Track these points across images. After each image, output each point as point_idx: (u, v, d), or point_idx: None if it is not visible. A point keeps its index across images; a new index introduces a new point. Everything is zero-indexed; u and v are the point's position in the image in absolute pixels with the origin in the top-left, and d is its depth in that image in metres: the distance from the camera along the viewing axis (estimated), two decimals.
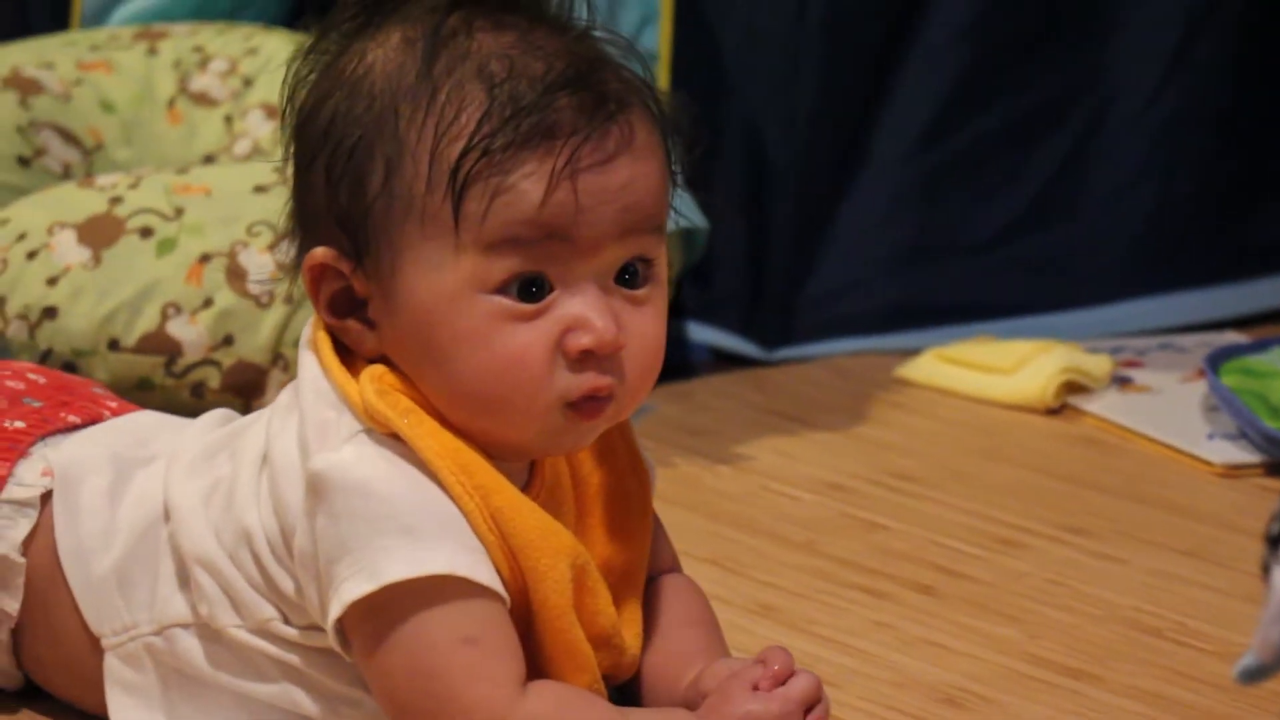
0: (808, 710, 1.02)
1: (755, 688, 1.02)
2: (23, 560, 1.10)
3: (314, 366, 1.04)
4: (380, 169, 1.00)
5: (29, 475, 1.11)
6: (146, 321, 1.48)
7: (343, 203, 1.01)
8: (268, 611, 1.04)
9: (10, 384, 1.16)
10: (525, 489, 1.04)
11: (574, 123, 0.99)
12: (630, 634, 1.08)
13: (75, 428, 1.14)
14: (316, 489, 1.00)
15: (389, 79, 1.01)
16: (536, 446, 1.03)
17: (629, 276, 1.01)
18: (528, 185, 0.98)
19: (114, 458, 1.11)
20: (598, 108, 1.00)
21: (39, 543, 1.10)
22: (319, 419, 1.02)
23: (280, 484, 1.03)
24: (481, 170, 0.98)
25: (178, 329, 1.48)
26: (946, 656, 1.25)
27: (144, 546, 1.08)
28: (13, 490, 1.10)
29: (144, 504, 1.09)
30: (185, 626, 1.07)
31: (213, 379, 1.47)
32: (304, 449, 1.02)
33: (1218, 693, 1.21)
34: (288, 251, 1.05)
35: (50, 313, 1.48)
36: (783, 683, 1.03)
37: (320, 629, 1.03)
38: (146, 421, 1.16)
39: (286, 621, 1.04)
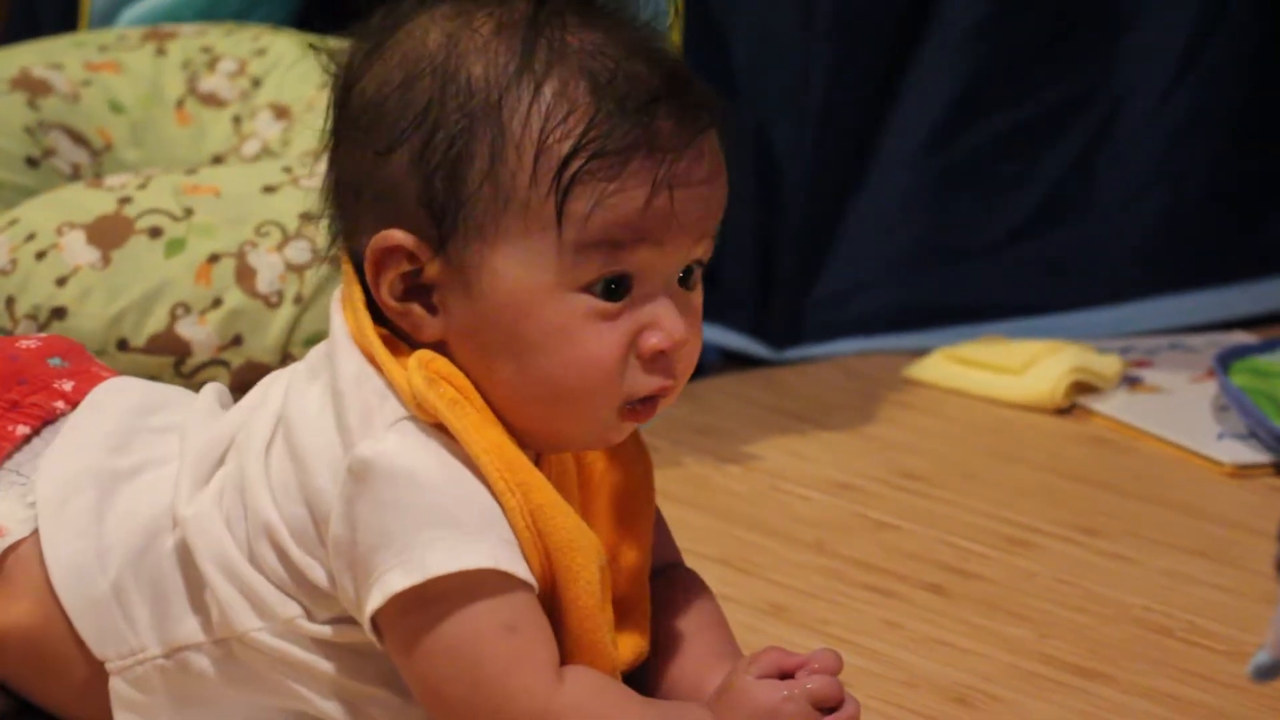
0: (828, 713, 1.02)
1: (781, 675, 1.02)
2: None
3: (353, 352, 1.03)
4: (483, 160, 1.00)
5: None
6: (155, 322, 1.48)
7: (435, 189, 1.01)
8: (291, 609, 1.04)
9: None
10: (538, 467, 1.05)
11: (675, 134, 1.01)
12: (634, 625, 1.08)
13: (27, 439, 1.11)
14: (361, 476, 1.00)
15: (487, 68, 1.01)
16: (579, 441, 1.05)
17: (685, 276, 1.04)
18: (632, 190, 1.00)
19: (94, 473, 1.09)
20: (691, 120, 1.02)
21: (20, 551, 1.08)
22: (361, 404, 1.02)
23: (310, 467, 1.02)
24: (589, 171, 1.00)
25: (187, 329, 1.48)
26: (957, 656, 1.25)
27: (144, 565, 1.06)
28: None
29: (136, 520, 1.07)
30: (197, 648, 1.06)
31: (222, 379, 1.47)
32: (345, 433, 1.02)
33: (1229, 692, 1.21)
34: (328, 230, 1.05)
35: (59, 313, 1.48)
36: (792, 670, 1.03)
37: (348, 621, 1.02)
38: (122, 406, 1.12)
39: (310, 618, 1.04)
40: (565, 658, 1.03)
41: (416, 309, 1.03)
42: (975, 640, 1.27)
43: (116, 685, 1.07)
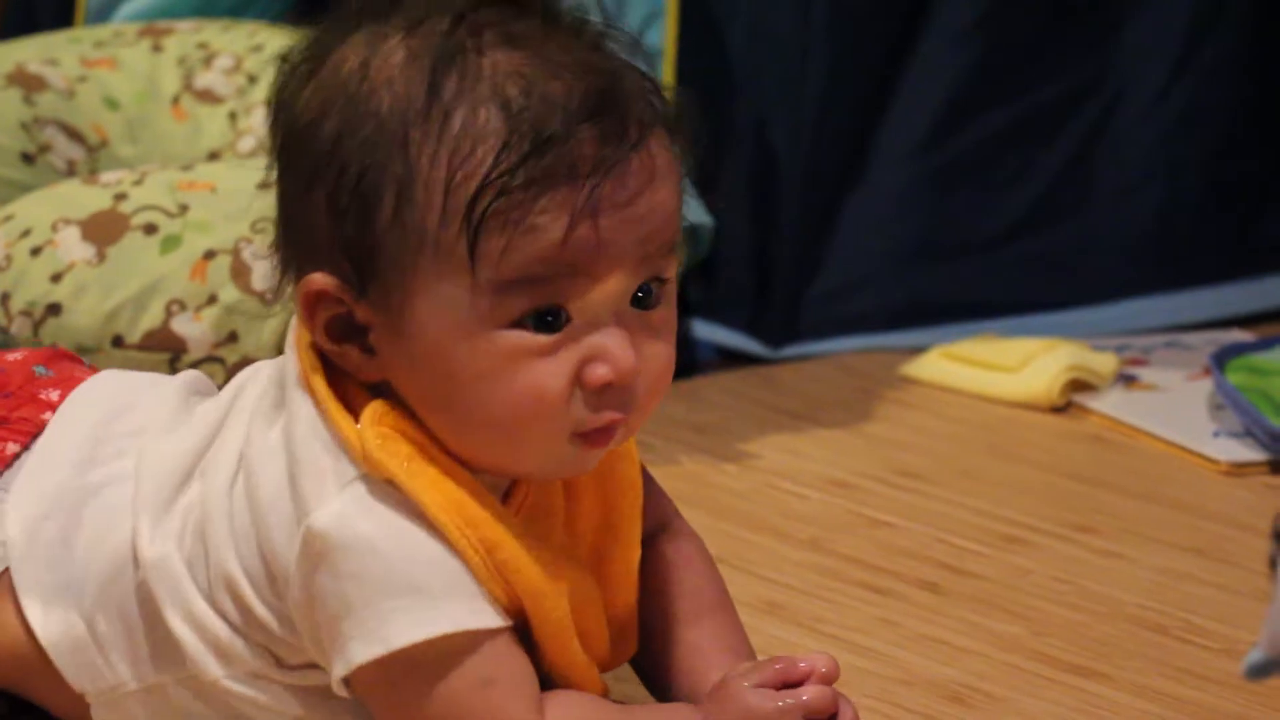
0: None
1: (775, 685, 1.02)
2: None
3: (304, 400, 1.00)
4: (390, 200, 0.95)
5: None
6: (151, 318, 1.48)
7: (348, 232, 0.96)
8: (256, 661, 1.02)
9: None
10: (505, 499, 1.02)
11: (597, 156, 0.95)
12: (622, 625, 1.06)
13: (17, 456, 1.09)
14: (318, 549, 0.97)
15: (396, 100, 0.95)
16: (543, 474, 1.01)
17: (642, 296, 0.98)
18: (548, 223, 0.95)
19: (60, 496, 1.06)
20: (621, 138, 0.96)
21: None
22: (315, 465, 0.98)
23: (268, 527, 0.99)
24: (501, 207, 0.94)
25: (182, 326, 1.48)
26: (952, 654, 1.25)
27: (113, 596, 1.04)
28: None
29: (103, 548, 1.05)
30: (174, 683, 1.04)
31: (217, 376, 1.47)
32: (297, 496, 0.98)
33: (1224, 690, 1.21)
34: (275, 265, 1.01)
35: (54, 309, 1.48)
36: (796, 683, 1.02)
37: (314, 666, 1.01)
38: (91, 417, 1.09)
39: (279, 664, 1.02)
40: (545, 680, 1.01)
41: (353, 351, 0.99)
42: (971, 638, 1.27)
43: (98, 710, 1.06)
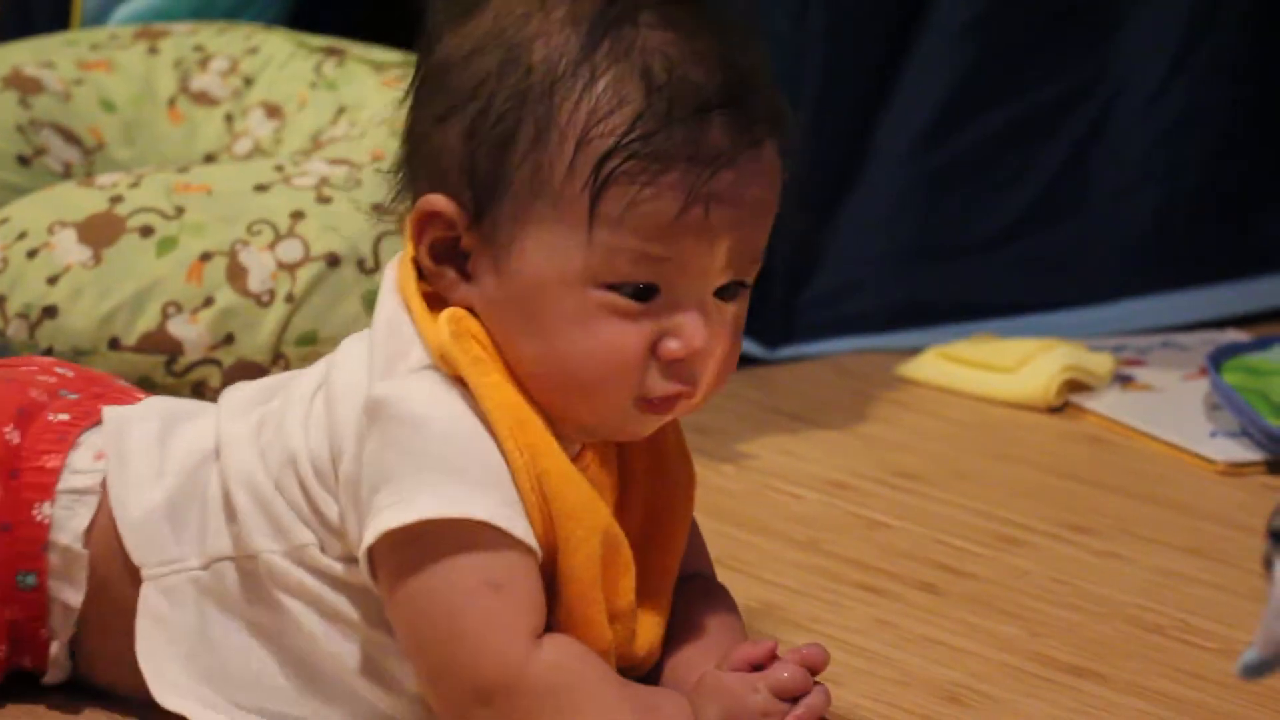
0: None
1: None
2: (85, 551, 1.10)
3: (393, 300, 1.05)
4: (526, 140, 1.00)
5: (83, 462, 1.11)
6: (147, 320, 1.48)
7: (479, 163, 1.01)
8: (305, 537, 1.05)
9: (42, 378, 1.16)
10: (574, 459, 1.05)
11: (721, 144, 1.00)
12: (651, 623, 1.08)
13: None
14: (374, 413, 1.01)
15: (550, 53, 1.01)
16: (600, 429, 1.05)
17: (726, 289, 1.03)
18: (666, 199, 1.00)
19: (161, 411, 1.12)
20: (744, 132, 1.01)
21: (99, 529, 1.10)
22: (389, 349, 1.03)
23: (337, 406, 1.04)
24: (627, 171, 0.99)
25: (178, 328, 1.48)
26: (949, 654, 1.25)
27: (194, 484, 1.09)
28: (69, 479, 1.10)
29: (194, 445, 1.10)
30: (229, 560, 1.07)
31: (213, 378, 1.47)
32: (370, 374, 1.03)
33: (1221, 690, 1.21)
34: (395, 185, 1.06)
35: (50, 311, 1.48)
36: (765, 663, 1.04)
37: (355, 561, 1.03)
38: (182, 400, 1.17)
39: (323, 550, 1.05)
40: (557, 628, 1.03)
41: (450, 273, 1.04)
42: (967, 638, 1.27)
43: (147, 592, 1.08)
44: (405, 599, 1.01)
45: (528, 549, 1.01)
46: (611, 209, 1.00)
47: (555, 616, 1.03)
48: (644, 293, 1.01)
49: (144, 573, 1.09)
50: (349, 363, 1.05)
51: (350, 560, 1.04)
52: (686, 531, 1.11)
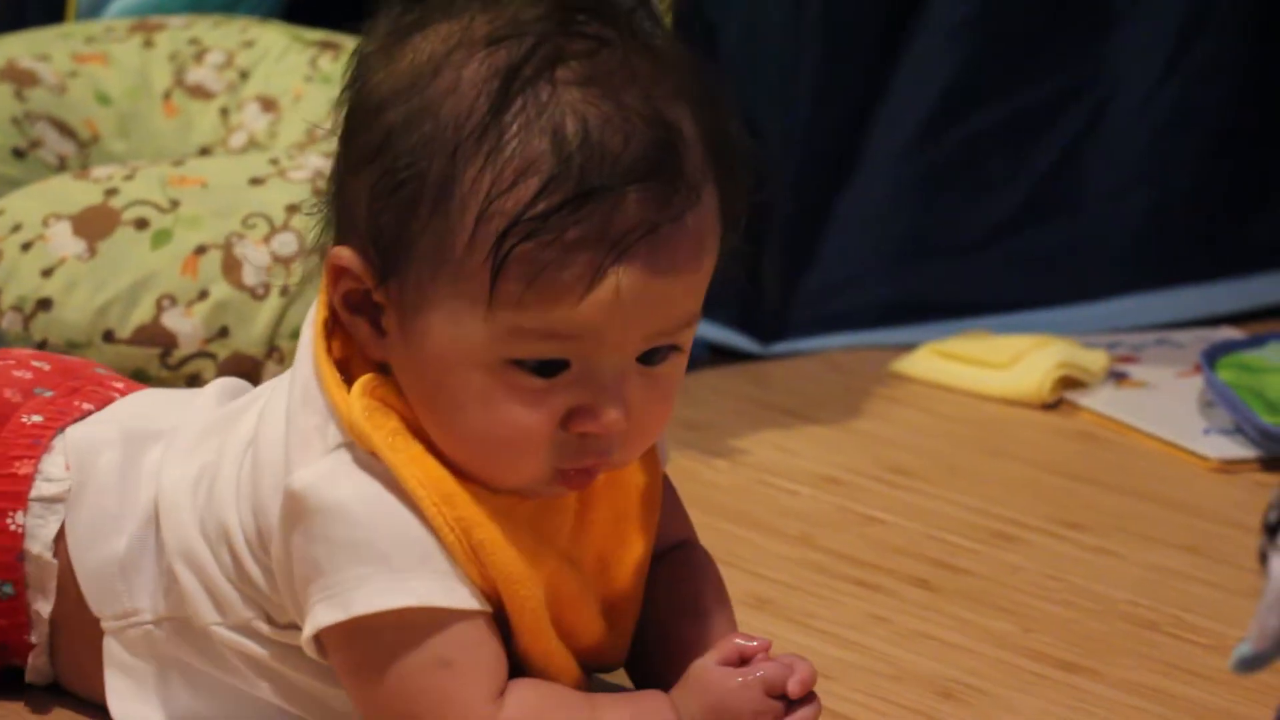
0: (782, 699, 1.01)
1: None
2: (55, 561, 1.08)
3: (309, 363, 1.01)
4: (428, 207, 0.94)
5: (55, 470, 1.09)
6: (141, 313, 1.48)
7: (384, 224, 0.96)
8: (248, 612, 1.03)
9: (17, 374, 1.14)
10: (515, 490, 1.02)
11: (636, 219, 0.93)
12: (624, 629, 1.07)
13: (89, 414, 1.12)
14: (294, 509, 0.98)
15: (459, 109, 0.94)
16: (524, 491, 1.01)
17: (649, 354, 0.97)
18: (571, 282, 0.93)
19: (124, 434, 1.08)
20: (665, 204, 0.93)
21: (66, 540, 1.08)
22: (305, 422, 0.99)
23: (262, 485, 1.01)
24: (527, 251, 0.93)
25: (173, 321, 1.47)
26: (943, 650, 1.25)
27: (148, 533, 1.06)
28: (41, 487, 1.08)
29: (150, 490, 1.07)
30: (183, 619, 1.06)
31: (208, 371, 1.47)
32: (288, 455, 1.00)
33: (1215, 686, 1.21)
34: (315, 224, 1.01)
35: (45, 304, 1.48)
36: (780, 689, 1.01)
37: (299, 627, 1.01)
38: (155, 399, 1.14)
39: (269, 621, 1.03)
40: (524, 667, 1.01)
41: (364, 326, 0.99)
42: (961, 634, 1.27)
43: (109, 645, 1.07)
44: (361, 689, 0.99)
45: (473, 612, 0.98)
46: (513, 288, 0.93)
47: (519, 658, 1.01)
48: (551, 368, 0.95)
49: (103, 624, 1.07)
50: (270, 430, 1.00)
51: (291, 627, 1.02)
52: (646, 529, 1.07)
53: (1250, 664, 0.83)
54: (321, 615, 0.98)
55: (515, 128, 0.93)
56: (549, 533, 1.03)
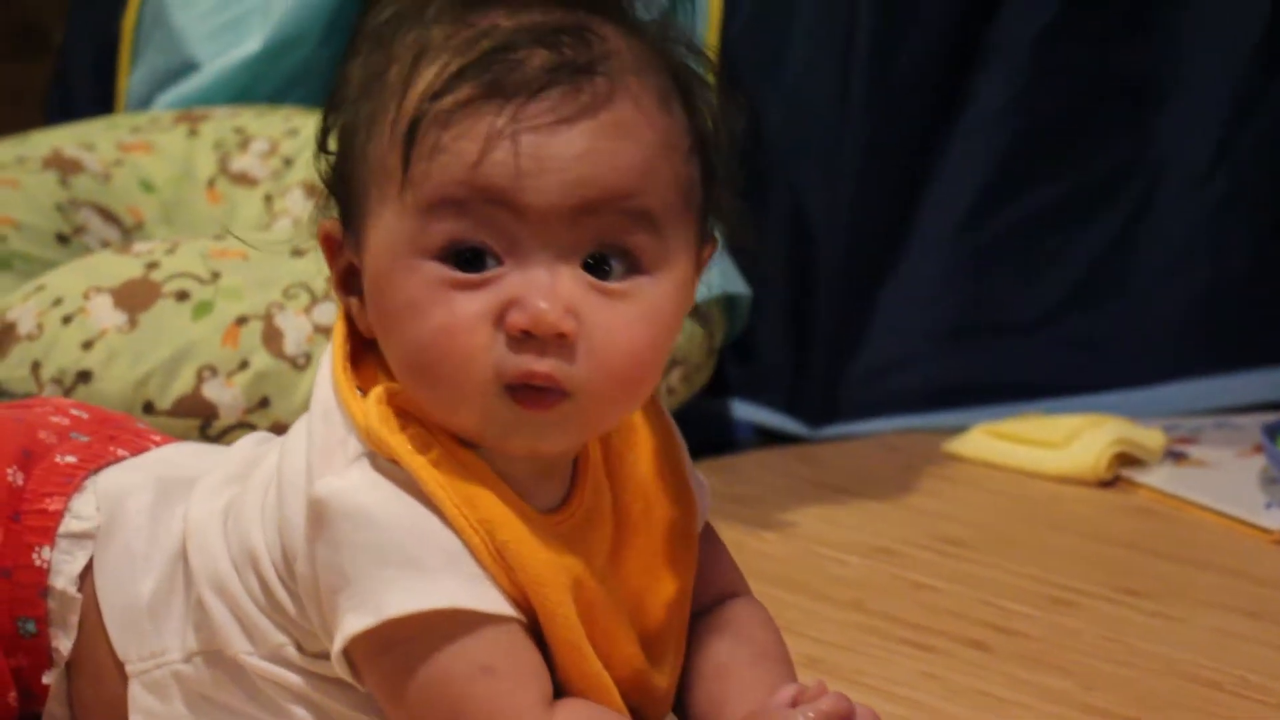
0: None
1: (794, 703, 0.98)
2: (79, 596, 1.06)
3: (329, 384, 0.99)
4: (364, 129, 0.95)
5: (85, 509, 1.07)
6: (182, 384, 1.46)
7: (336, 170, 0.97)
8: (279, 638, 1.01)
9: (55, 419, 1.13)
10: (561, 507, 1.00)
11: (530, 78, 0.91)
12: (667, 669, 1.04)
13: (123, 460, 1.10)
14: (317, 516, 0.96)
15: (399, 52, 0.94)
16: (489, 435, 0.96)
17: (594, 264, 0.94)
18: (465, 144, 0.91)
19: (157, 480, 1.07)
20: (563, 64, 0.91)
21: (91, 577, 1.06)
22: (327, 437, 0.98)
23: (287, 500, 0.99)
24: (430, 127, 0.92)
25: (213, 392, 1.46)
26: (999, 706, 1.21)
27: (176, 572, 1.04)
28: (70, 524, 1.06)
29: (182, 528, 1.05)
30: (211, 654, 1.03)
31: None
32: (309, 469, 0.98)
33: None
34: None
35: (84, 376, 1.47)
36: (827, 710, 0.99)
37: (329, 656, 0.99)
38: (189, 449, 1.12)
39: (300, 649, 1.00)
40: (560, 689, 0.98)
41: (354, 301, 0.98)
42: (1018, 691, 1.23)
43: (134, 690, 1.05)
44: (401, 701, 0.96)
45: (506, 619, 0.96)
46: (421, 168, 0.92)
47: (558, 681, 0.98)
48: (471, 260, 0.93)
49: (128, 668, 1.05)
50: (296, 448, 0.99)
51: (322, 655, 0.99)
52: (695, 560, 1.04)
53: None
54: (351, 623, 0.95)
55: (442, 31, 0.93)
56: (583, 552, 1.00)
